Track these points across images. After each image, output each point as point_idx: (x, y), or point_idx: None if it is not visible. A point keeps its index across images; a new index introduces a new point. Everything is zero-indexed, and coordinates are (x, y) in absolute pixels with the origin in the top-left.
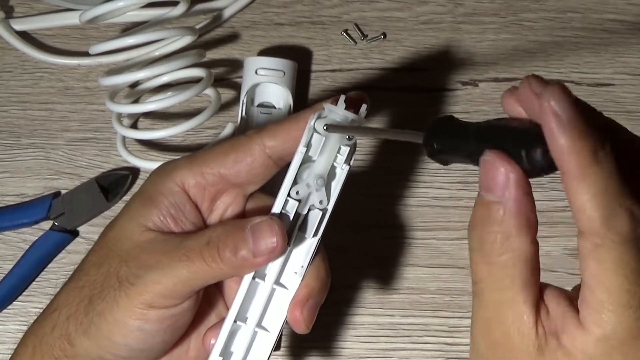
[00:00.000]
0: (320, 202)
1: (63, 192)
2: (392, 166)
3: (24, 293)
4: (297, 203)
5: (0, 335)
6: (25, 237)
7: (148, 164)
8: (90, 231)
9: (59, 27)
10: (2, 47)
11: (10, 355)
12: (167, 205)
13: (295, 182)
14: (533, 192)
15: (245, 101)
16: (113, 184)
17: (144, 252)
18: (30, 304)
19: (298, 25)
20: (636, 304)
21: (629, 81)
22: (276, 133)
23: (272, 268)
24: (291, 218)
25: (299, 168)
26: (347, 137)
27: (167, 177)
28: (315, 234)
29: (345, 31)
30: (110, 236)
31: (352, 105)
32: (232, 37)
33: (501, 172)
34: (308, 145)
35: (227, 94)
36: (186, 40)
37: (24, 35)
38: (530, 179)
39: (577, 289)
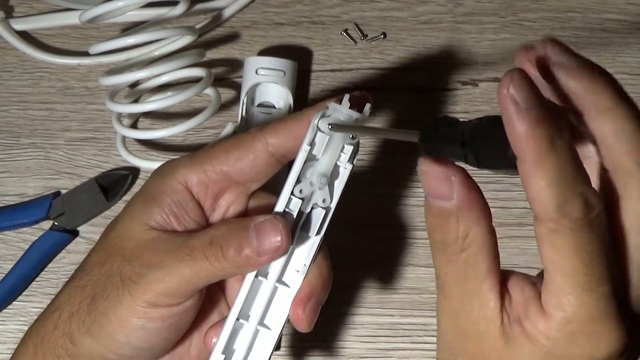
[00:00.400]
0: (324, 201)
1: (63, 191)
2: (392, 166)
3: (24, 293)
4: (300, 201)
5: (1, 335)
6: (25, 237)
7: (148, 163)
8: (90, 231)
9: (59, 27)
10: (2, 47)
11: (10, 355)
12: (170, 204)
13: (298, 180)
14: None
15: (245, 101)
16: (113, 183)
17: (147, 251)
18: (30, 304)
19: (298, 25)
20: (594, 286)
21: (628, 81)
22: (279, 131)
23: (275, 266)
24: (294, 216)
25: (303, 166)
26: (351, 136)
27: (169, 176)
28: (318, 233)
29: (345, 31)
30: (112, 235)
31: (356, 104)
32: (232, 37)
33: (442, 178)
34: (312, 144)
35: (227, 93)
36: (186, 40)
37: (24, 35)
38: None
39: (542, 274)
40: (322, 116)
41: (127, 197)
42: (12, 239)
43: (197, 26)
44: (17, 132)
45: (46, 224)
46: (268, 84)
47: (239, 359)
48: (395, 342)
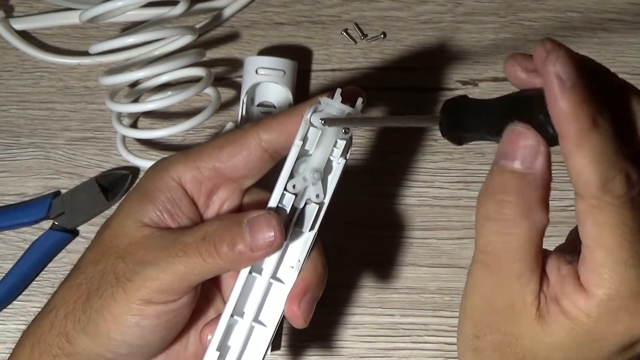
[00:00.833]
0: (317, 196)
1: (63, 191)
2: (391, 165)
3: (24, 292)
4: (293, 197)
5: (0, 335)
6: (25, 237)
7: (148, 163)
8: (90, 231)
9: (59, 27)
10: (2, 47)
11: (8, 356)
12: (164, 201)
13: (291, 175)
14: None
15: (245, 100)
16: (113, 183)
17: (141, 248)
18: (30, 304)
19: (298, 25)
20: (636, 262)
21: (629, 80)
22: (272, 126)
23: (269, 262)
24: (288, 212)
25: (295, 162)
26: (344, 130)
27: (163, 172)
28: (311, 228)
29: (345, 30)
30: (106, 233)
31: (348, 99)
32: (232, 37)
33: (532, 142)
34: (304, 139)
35: (227, 93)
36: (186, 39)
37: (24, 35)
38: None
39: (572, 247)
40: (315, 111)
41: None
42: (12, 239)
43: (197, 26)
44: (17, 132)
45: (46, 224)
46: (268, 83)
47: (234, 355)
48: (395, 341)
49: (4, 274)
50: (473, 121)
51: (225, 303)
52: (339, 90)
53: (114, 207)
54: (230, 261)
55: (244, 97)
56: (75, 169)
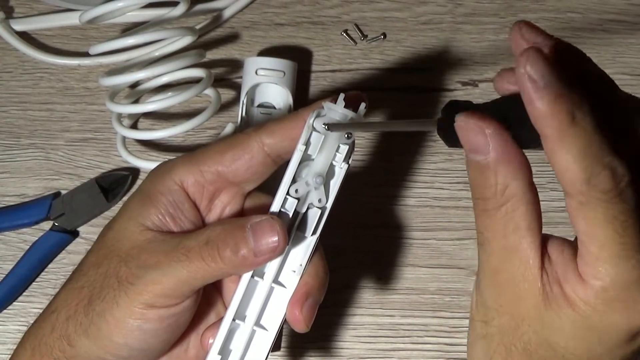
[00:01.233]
0: (319, 201)
1: (63, 192)
2: (392, 166)
3: (24, 293)
4: (296, 201)
5: (0, 336)
6: (25, 238)
7: (148, 164)
8: (90, 231)
9: (59, 28)
10: (2, 48)
11: (9, 357)
12: (166, 204)
13: (294, 180)
14: None
15: (245, 101)
16: (113, 184)
17: (144, 252)
18: (30, 305)
19: (298, 26)
20: (630, 254)
21: (628, 81)
22: (275, 131)
23: (271, 266)
24: (290, 216)
25: (298, 166)
26: (346, 135)
27: (165, 176)
28: (314, 233)
29: (345, 31)
30: (109, 236)
31: (351, 104)
32: (232, 38)
33: (477, 131)
34: (307, 144)
35: (227, 94)
36: (186, 40)
37: (24, 36)
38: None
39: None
40: (317, 116)
41: (127, 197)
42: (12, 240)
43: (197, 27)
44: (17, 133)
45: (46, 225)
46: (268, 84)
47: (235, 359)
48: (395, 342)
49: (4, 275)
50: None
51: (226, 307)
52: (342, 95)
53: (114, 208)
54: (233, 266)
55: (243, 98)
56: (76, 170)
